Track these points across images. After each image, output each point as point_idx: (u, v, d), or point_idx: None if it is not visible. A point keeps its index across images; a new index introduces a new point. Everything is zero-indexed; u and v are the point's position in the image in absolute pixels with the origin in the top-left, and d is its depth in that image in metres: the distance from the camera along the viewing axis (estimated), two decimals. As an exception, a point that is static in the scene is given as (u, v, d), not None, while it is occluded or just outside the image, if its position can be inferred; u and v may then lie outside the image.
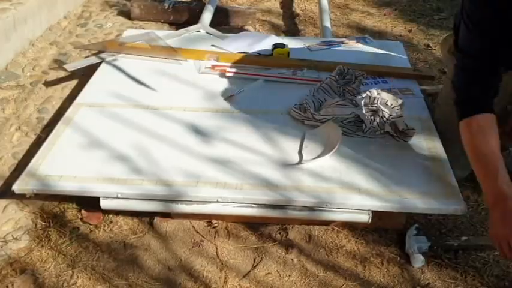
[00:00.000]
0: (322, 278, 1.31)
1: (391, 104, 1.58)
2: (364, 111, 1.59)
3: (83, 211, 1.45)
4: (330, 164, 1.46)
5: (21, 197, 1.49)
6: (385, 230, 1.45)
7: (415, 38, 2.67)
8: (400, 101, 1.59)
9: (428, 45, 2.57)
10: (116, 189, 1.36)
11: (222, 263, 1.34)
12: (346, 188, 1.39)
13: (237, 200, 1.36)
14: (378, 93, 1.61)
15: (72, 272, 1.29)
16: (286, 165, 1.46)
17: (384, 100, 1.58)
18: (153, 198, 1.38)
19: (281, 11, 2.99)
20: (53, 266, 1.31)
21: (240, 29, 2.65)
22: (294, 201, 1.36)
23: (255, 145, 1.55)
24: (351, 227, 1.44)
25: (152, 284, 1.27)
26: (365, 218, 1.36)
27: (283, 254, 1.38)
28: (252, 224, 1.45)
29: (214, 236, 1.41)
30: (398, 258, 1.37)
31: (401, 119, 1.55)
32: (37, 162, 1.45)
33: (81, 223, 1.43)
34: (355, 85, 1.74)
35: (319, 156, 1.47)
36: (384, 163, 1.48)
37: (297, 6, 3.02)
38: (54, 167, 1.43)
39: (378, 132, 1.57)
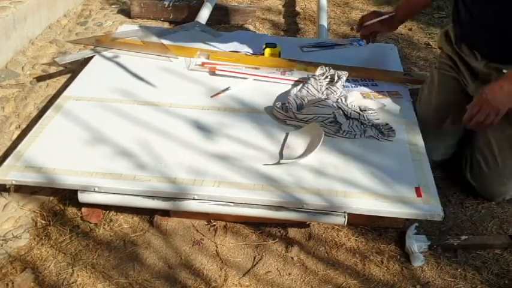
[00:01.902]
0: (322, 276, 1.31)
1: (366, 110, 1.64)
2: (339, 115, 1.61)
3: (83, 209, 1.45)
4: (308, 165, 1.47)
5: (21, 196, 1.49)
6: (385, 229, 1.45)
7: (415, 37, 2.67)
8: (374, 106, 1.66)
9: (428, 44, 2.57)
10: (93, 183, 1.38)
11: (222, 261, 1.34)
12: (323, 189, 1.39)
13: (214, 198, 1.37)
14: (352, 100, 1.67)
15: (73, 270, 1.30)
16: (264, 165, 1.46)
17: (359, 105, 1.65)
18: (120, 193, 1.38)
19: (281, 9, 2.99)
20: (53, 264, 1.31)
21: (240, 28, 2.65)
22: (270, 201, 1.36)
23: (237, 144, 1.55)
24: (351, 225, 1.44)
25: (152, 282, 1.28)
26: (341, 220, 1.36)
27: (283, 252, 1.38)
28: (251, 222, 1.45)
29: (214, 234, 1.42)
30: (399, 257, 1.37)
31: (379, 121, 1.62)
32: (18, 154, 1.47)
33: (81, 221, 1.43)
34: (338, 84, 1.76)
35: (298, 157, 1.47)
36: (363, 165, 1.48)
37: (298, 5, 3.02)
38: (34, 159, 1.45)
39: (357, 136, 1.58)
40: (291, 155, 1.49)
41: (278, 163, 1.47)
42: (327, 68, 1.84)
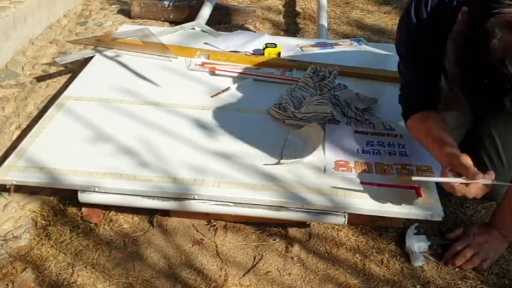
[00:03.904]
0: (323, 276, 1.32)
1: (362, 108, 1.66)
2: (337, 112, 1.63)
3: (83, 209, 1.45)
4: (309, 164, 1.46)
5: (21, 196, 1.49)
6: (385, 228, 1.45)
7: (415, 36, 2.67)
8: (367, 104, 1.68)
9: (428, 44, 2.57)
10: (93, 183, 1.38)
11: (222, 261, 1.34)
12: (323, 189, 1.39)
13: (214, 198, 1.37)
14: (345, 97, 1.68)
15: (73, 270, 1.30)
16: (264, 165, 1.46)
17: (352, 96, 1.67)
18: (120, 193, 1.38)
19: (282, 9, 2.99)
20: (53, 264, 1.31)
21: (240, 27, 2.65)
22: (270, 201, 1.36)
23: (237, 144, 1.55)
24: (351, 225, 1.44)
25: (152, 282, 1.28)
26: (341, 220, 1.36)
27: (284, 252, 1.38)
28: (252, 222, 1.45)
29: (214, 234, 1.42)
30: (399, 257, 1.37)
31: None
32: (18, 154, 1.47)
33: (81, 221, 1.43)
34: (330, 78, 1.77)
35: (298, 157, 1.47)
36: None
37: (298, 5, 3.02)
38: (34, 159, 1.45)
39: (358, 121, 1.61)
40: (291, 155, 1.49)
41: (278, 163, 1.47)
42: (317, 66, 1.84)
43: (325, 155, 1.49)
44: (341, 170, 1.44)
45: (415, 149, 1.51)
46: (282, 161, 1.47)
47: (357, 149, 1.52)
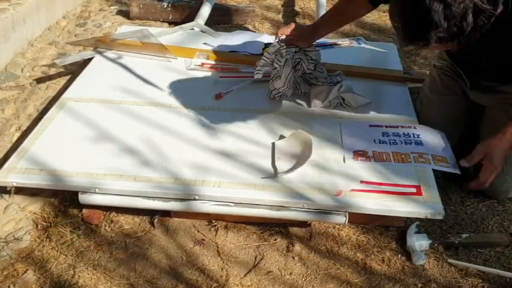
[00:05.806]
0: (324, 275, 1.32)
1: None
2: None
3: (84, 210, 1.45)
4: (309, 164, 1.46)
5: (22, 197, 1.49)
6: (386, 227, 1.45)
7: (414, 35, 2.67)
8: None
9: (427, 42, 2.56)
10: (94, 184, 1.38)
11: (223, 261, 1.34)
12: (324, 189, 1.39)
13: (214, 198, 1.37)
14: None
15: (74, 271, 1.30)
16: (264, 166, 1.46)
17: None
18: (120, 194, 1.38)
19: (281, 8, 2.99)
20: (55, 265, 1.31)
21: (239, 28, 2.65)
22: (270, 201, 1.36)
23: (237, 144, 1.55)
24: (352, 224, 1.44)
25: (154, 283, 1.28)
26: (341, 219, 1.36)
27: (285, 251, 1.38)
28: (252, 222, 1.45)
29: (215, 234, 1.42)
30: (400, 255, 1.38)
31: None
32: (18, 156, 1.47)
33: (82, 223, 1.43)
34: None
35: (294, 168, 1.44)
36: (363, 165, 1.47)
37: (297, 4, 3.02)
38: (35, 161, 1.45)
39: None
40: (285, 167, 1.45)
41: (275, 176, 1.43)
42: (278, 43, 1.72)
43: (343, 147, 1.52)
44: (360, 160, 1.47)
45: (429, 138, 1.56)
46: (278, 174, 1.43)
47: (374, 140, 1.55)
